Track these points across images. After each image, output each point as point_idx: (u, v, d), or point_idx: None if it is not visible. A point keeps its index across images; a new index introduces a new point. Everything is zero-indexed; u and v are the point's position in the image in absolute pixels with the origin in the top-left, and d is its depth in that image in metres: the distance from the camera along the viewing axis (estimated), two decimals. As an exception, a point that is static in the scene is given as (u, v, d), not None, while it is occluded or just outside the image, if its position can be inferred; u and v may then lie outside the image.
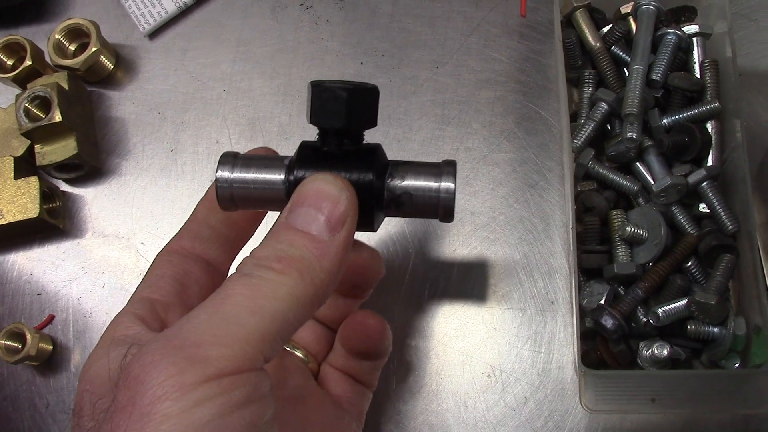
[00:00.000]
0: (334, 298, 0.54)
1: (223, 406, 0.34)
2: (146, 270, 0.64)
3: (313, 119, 0.43)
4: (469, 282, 0.63)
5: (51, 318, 0.65)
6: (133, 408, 0.33)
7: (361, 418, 0.54)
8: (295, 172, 0.43)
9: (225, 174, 0.44)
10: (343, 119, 0.42)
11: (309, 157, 0.43)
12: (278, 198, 0.44)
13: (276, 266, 0.38)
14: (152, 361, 0.34)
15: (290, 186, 0.43)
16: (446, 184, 0.44)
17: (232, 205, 0.45)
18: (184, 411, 0.33)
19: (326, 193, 0.40)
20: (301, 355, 0.53)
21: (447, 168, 0.45)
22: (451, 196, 0.44)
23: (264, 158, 0.45)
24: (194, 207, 0.50)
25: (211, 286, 0.49)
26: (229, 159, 0.45)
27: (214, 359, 0.34)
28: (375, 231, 0.46)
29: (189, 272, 0.48)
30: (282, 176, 0.44)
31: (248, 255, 0.40)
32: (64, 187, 0.69)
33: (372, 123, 0.44)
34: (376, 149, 0.45)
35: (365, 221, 0.44)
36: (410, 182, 0.44)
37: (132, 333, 0.43)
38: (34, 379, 0.64)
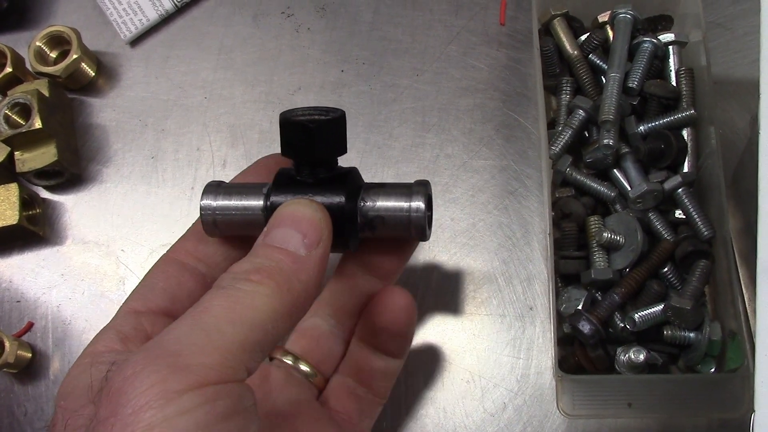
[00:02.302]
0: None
1: (207, 416, 0.33)
2: (126, 277, 0.65)
3: (284, 152, 0.45)
4: (449, 288, 0.63)
5: (30, 325, 0.65)
6: (115, 419, 0.33)
7: None
8: (272, 198, 0.46)
9: (208, 202, 0.48)
10: (313, 152, 0.44)
11: (285, 183, 0.46)
12: (258, 222, 0.46)
13: (254, 277, 0.39)
14: (134, 372, 0.34)
15: (268, 211, 0.46)
16: (416, 204, 0.46)
17: (216, 231, 0.48)
18: (168, 419, 0.33)
19: (302, 214, 0.42)
20: (306, 369, 0.52)
21: (418, 188, 0.47)
22: (421, 215, 0.46)
23: (244, 186, 0.48)
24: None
25: None
26: (212, 188, 0.48)
27: (195, 368, 0.34)
28: (353, 251, 0.49)
29: (183, 285, 0.48)
30: (261, 202, 0.47)
31: (225, 272, 0.40)
32: (44, 194, 0.69)
33: (342, 150, 0.46)
34: (349, 173, 0.47)
35: (340, 242, 0.46)
36: (382, 203, 0.47)
37: (112, 351, 0.43)
38: (13, 387, 0.63)
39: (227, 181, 0.50)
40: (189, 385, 0.34)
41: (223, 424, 0.34)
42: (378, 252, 0.51)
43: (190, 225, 0.51)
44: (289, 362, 0.52)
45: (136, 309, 0.47)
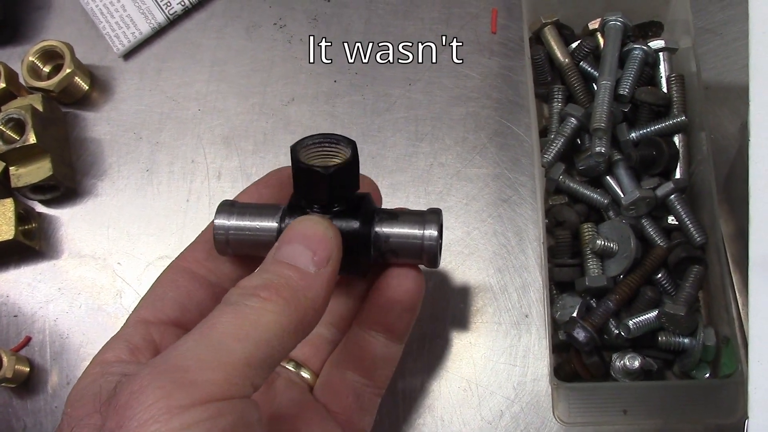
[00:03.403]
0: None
1: (210, 431, 0.34)
2: (123, 290, 0.65)
3: (297, 193, 0.46)
4: (444, 296, 0.63)
5: (27, 340, 0.65)
6: (121, 431, 0.34)
7: None
8: (287, 220, 0.46)
9: (222, 222, 0.48)
10: (327, 195, 0.45)
11: (300, 207, 0.47)
12: (271, 243, 0.46)
13: (262, 294, 0.39)
14: (141, 386, 0.35)
15: (282, 232, 0.46)
16: (429, 232, 0.47)
17: (228, 250, 0.49)
18: None
19: (313, 231, 0.43)
20: (307, 376, 0.53)
21: (431, 217, 0.48)
22: (434, 243, 0.47)
23: (258, 207, 0.49)
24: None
25: None
26: (226, 208, 0.48)
27: (201, 383, 0.35)
28: (365, 277, 0.50)
29: (192, 296, 0.49)
30: (275, 224, 0.47)
31: (234, 286, 0.41)
32: (40, 208, 0.69)
33: (355, 187, 0.46)
34: (363, 199, 0.47)
35: (354, 268, 0.47)
36: (396, 230, 0.47)
37: (121, 361, 0.44)
38: (11, 402, 0.64)
39: (239, 200, 0.50)
40: (194, 400, 0.34)
41: None
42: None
43: (199, 234, 0.52)
44: (291, 369, 0.53)
45: (146, 319, 0.47)
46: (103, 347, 0.45)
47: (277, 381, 0.52)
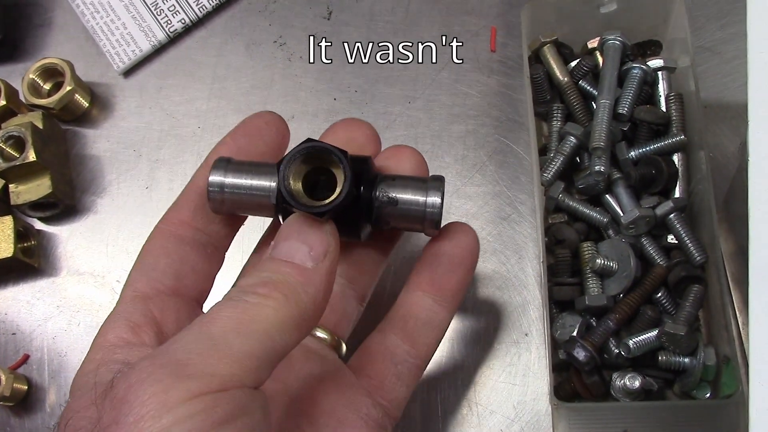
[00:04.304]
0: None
1: (203, 423, 0.34)
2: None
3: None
4: (444, 315, 0.63)
5: (26, 358, 0.65)
6: (117, 427, 0.34)
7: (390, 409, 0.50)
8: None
9: (218, 178, 0.47)
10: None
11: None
12: (266, 204, 0.46)
13: (261, 290, 0.39)
14: (138, 380, 0.35)
15: (278, 193, 0.44)
16: (432, 199, 0.47)
17: (222, 209, 0.48)
18: (165, 429, 0.33)
19: (309, 226, 0.42)
20: (324, 335, 0.51)
21: (434, 183, 0.47)
22: (436, 210, 0.47)
23: (255, 164, 0.47)
24: (192, 175, 0.50)
25: (209, 273, 0.50)
26: (222, 164, 0.47)
27: (199, 377, 0.35)
28: (362, 241, 0.48)
29: (185, 259, 0.48)
30: (272, 184, 0.46)
31: (232, 286, 0.41)
32: (39, 225, 0.69)
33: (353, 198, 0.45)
34: (366, 161, 0.47)
35: (353, 231, 0.47)
36: (397, 194, 0.47)
37: (123, 346, 0.43)
38: (9, 420, 0.63)
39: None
40: (191, 394, 0.34)
41: (220, 429, 0.34)
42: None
43: (181, 192, 0.50)
44: (316, 335, 0.51)
45: (142, 292, 0.46)
46: (102, 328, 0.45)
47: (296, 353, 0.48)
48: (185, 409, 0.34)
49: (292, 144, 0.44)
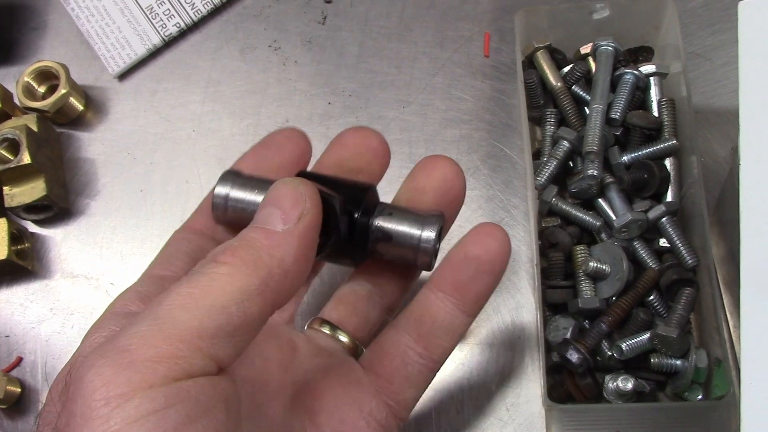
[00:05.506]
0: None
1: (157, 429, 0.31)
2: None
3: None
4: (438, 318, 0.64)
5: (19, 360, 0.65)
6: (68, 429, 0.31)
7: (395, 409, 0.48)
8: None
9: (224, 190, 0.48)
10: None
11: None
12: None
13: (220, 258, 0.36)
14: (81, 374, 0.32)
15: None
16: (427, 234, 0.47)
17: (225, 219, 0.49)
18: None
19: (284, 191, 0.40)
20: (345, 339, 0.49)
21: (431, 219, 0.47)
22: (429, 246, 0.47)
23: (261, 181, 0.48)
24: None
25: None
26: (229, 177, 0.49)
27: (141, 364, 0.31)
28: (356, 265, 0.49)
29: (206, 250, 0.45)
30: None
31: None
32: (33, 228, 0.69)
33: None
34: (368, 189, 0.47)
35: (348, 256, 0.47)
36: (394, 226, 0.47)
37: (125, 314, 0.41)
38: (2, 423, 0.63)
39: (243, 171, 0.50)
40: (135, 386, 0.31)
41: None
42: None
43: (202, 201, 0.51)
44: (327, 332, 0.49)
45: (160, 274, 0.45)
46: (112, 301, 0.43)
47: (304, 347, 0.48)
48: (134, 408, 0.30)
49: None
